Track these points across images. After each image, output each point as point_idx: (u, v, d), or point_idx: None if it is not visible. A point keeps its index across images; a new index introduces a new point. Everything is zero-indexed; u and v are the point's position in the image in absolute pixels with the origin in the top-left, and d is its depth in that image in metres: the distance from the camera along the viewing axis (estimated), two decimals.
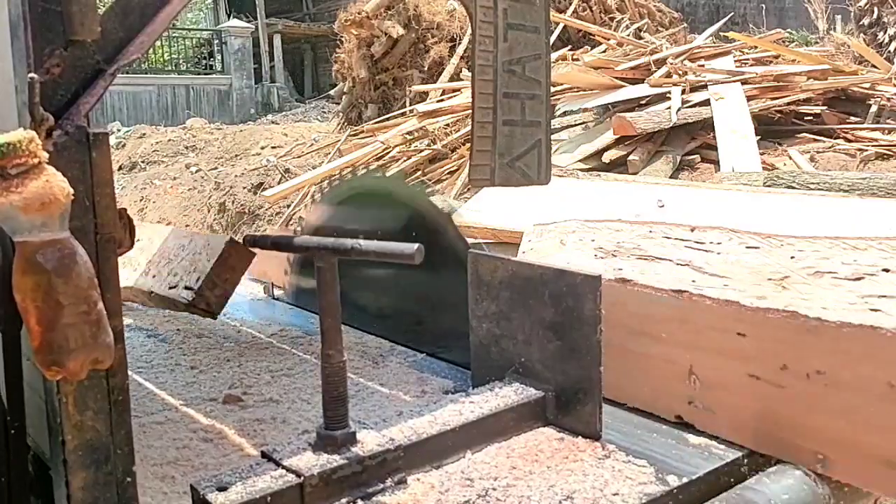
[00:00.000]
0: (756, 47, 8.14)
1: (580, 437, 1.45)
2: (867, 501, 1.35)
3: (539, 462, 1.36)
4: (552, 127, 7.76)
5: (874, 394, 1.23)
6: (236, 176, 10.47)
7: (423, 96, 9.53)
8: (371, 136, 8.85)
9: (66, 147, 1.01)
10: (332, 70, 12.70)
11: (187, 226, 9.99)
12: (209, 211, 10.17)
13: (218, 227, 9.86)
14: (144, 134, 13.85)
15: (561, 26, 10.13)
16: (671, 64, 7.32)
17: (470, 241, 1.96)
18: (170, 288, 2.12)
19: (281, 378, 1.97)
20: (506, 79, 1.83)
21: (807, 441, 1.33)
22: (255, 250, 1.95)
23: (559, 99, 7.57)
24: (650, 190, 4.24)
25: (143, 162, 12.56)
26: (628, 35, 9.70)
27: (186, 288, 2.05)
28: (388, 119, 9.36)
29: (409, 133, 8.22)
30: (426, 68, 10.60)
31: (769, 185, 4.85)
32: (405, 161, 7.76)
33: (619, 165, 6.29)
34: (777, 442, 1.38)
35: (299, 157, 10.46)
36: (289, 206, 8.41)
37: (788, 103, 6.74)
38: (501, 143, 1.85)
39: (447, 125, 7.98)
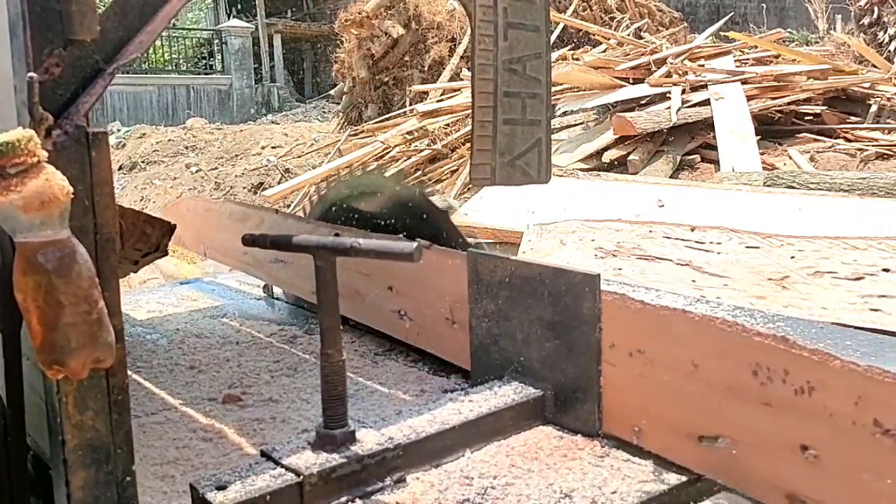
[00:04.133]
0: (756, 47, 8.14)
1: (579, 435, 1.45)
2: None
3: (538, 460, 1.36)
4: (552, 127, 7.74)
5: (682, 372, 1.31)
6: (236, 176, 10.48)
7: (423, 96, 9.54)
8: (371, 136, 8.85)
9: (65, 146, 1.01)
10: (332, 70, 12.72)
11: None
12: None
13: None
14: (144, 134, 13.84)
15: (561, 26, 10.13)
16: (671, 64, 7.32)
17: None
18: None
19: (280, 377, 1.97)
20: (506, 77, 1.83)
21: (627, 413, 1.42)
22: None
23: (559, 99, 7.57)
24: (650, 190, 4.24)
25: (143, 162, 12.56)
26: (628, 35, 9.70)
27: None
28: (388, 119, 9.36)
29: (409, 133, 8.22)
30: (426, 68, 10.61)
31: (769, 185, 4.85)
32: (405, 161, 7.77)
33: (619, 165, 6.30)
34: (606, 415, 1.46)
35: (299, 157, 10.47)
36: (289, 206, 8.41)
37: (788, 103, 6.75)
38: (502, 142, 1.85)
39: (447, 125, 7.98)
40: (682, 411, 1.31)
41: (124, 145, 13.48)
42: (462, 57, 9.96)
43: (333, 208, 2.30)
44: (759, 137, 6.19)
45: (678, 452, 1.33)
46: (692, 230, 2.71)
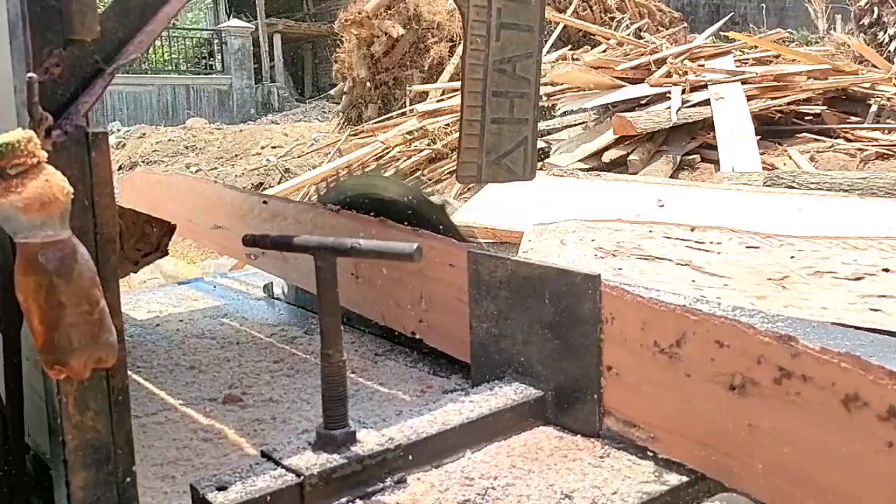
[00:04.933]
0: (756, 47, 8.14)
1: (579, 436, 1.45)
2: None
3: (538, 461, 1.36)
4: (553, 127, 7.78)
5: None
6: (236, 176, 10.48)
7: (423, 96, 9.54)
8: (371, 136, 8.86)
9: (65, 147, 1.01)
10: (332, 70, 12.73)
11: None
12: None
13: None
14: (144, 134, 13.85)
15: (561, 26, 10.13)
16: (671, 64, 7.33)
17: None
18: None
19: (280, 378, 1.97)
20: (496, 78, 1.84)
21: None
22: None
23: (559, 99, 7.58)
24: (650, 190, 4.24)
25: (143, 162, 12.56)
26: (628, 35, 9.71)
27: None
28: (388, 119, 9.37)
29: (409, 133, 8.22)
30: (426, 68, 10.61)
31: (769, 185, 4.85)
32: (405, 161, 7.77)
33: (619, 165, 6.30)
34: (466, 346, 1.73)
35: (299, 157, 10.47)
36: None
37: (788, 103, 6.75)
38: (489, 140, 1.86)
39: (447, 125, 7.98)
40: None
41: (124, 145, 13.49)
42: (462, 57, 9.95)
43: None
44: (759, 137, 6.19)
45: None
46: (692, 230, 2.70)
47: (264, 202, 2.46)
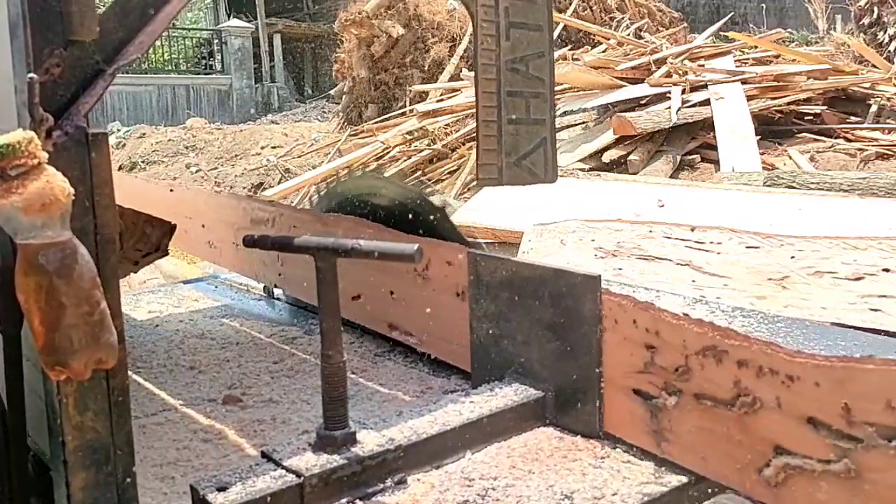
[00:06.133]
0: (756, 47, 8.14)
1: (579, 436, 1.45)
2: None
3: (539, 462, 1.36)
4: None
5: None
6: (236, 176, 10.48)
7: (423, 96, 9.54)
8: (371, 135, 8.86)
9: (65, 147, 1.01)
10: (332, 70, 12.73)
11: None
12: None
13: None
14: (144, 134, 13.84)
15: (561, 26, 10.13)
16: (671, 64, 7.32)
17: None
18: None
19: (281, 378, 1.97)
20: (509, 77, 1.84)
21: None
22: None
23: (559, 99, 7.57)
24: (650, 190, 4.24)
25: (143, 162, 12.56)
26: (628, 35, 9.71)
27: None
28: (388, 119, 9.37)
29: (409, 133, 8.22)
30: (426, 68, 10.61)
31: (769, 185, 4.85)
32: (405, 161, 7.77)
33: (619, 165, 6.30)
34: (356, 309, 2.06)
35: (299, 157, 10.47)
36: None
37: (788, 103, 6.75)
38: (507, 141, 1.86)
39: (447, 125, 7.98)
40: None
41: (124, 145, 13.48)
42: (462, 57, 9.96)
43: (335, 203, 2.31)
44: (759, 137, 6.19)
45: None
46: (692, 230, 2.70)
47: (171, 190, 3.09)
